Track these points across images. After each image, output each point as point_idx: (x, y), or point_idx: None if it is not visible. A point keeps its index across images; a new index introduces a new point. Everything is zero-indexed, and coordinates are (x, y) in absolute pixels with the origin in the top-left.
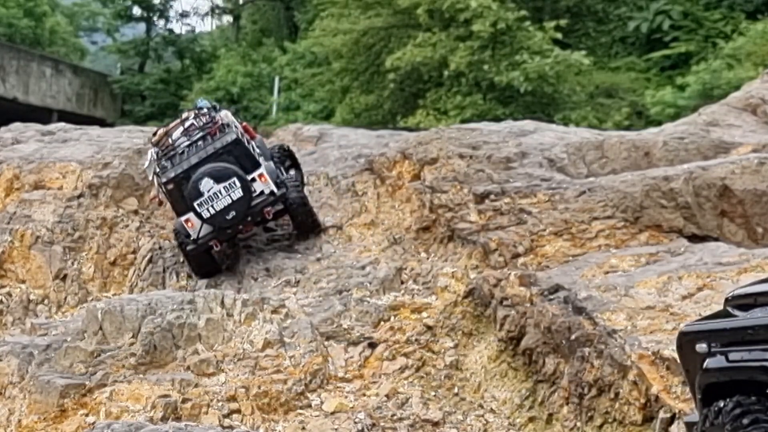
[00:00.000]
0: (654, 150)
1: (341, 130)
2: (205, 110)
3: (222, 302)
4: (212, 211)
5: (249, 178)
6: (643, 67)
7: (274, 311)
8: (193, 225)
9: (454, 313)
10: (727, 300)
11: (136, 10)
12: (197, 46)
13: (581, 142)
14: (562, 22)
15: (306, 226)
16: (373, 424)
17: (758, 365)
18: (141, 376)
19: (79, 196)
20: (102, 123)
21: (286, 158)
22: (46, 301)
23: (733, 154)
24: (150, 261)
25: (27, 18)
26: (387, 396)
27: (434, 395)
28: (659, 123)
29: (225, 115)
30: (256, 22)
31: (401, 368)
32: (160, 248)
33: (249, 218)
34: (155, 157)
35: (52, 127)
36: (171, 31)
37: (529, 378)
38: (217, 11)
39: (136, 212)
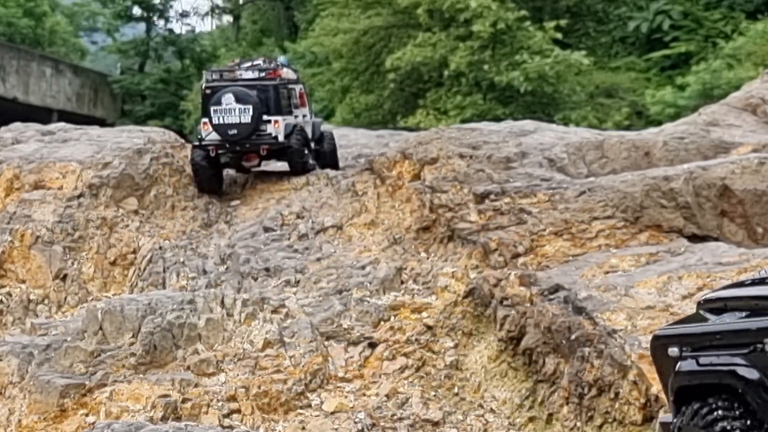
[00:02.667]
0: (654, 150)
1: (341, 130)
2: (278, 63)
3: (222, 302)
4: (220, 120)
5: (265, 117)
6: (643, 67)
7: (274, 311)
8: (207, 128)
9: (454, 313)
10: (699, 304)
11: (136, 10)
12: (197, 46)
13: (581, 142)
14: (562, 22)
15: (296, 167)
16: (373, 424)
17: (727, 369)
18: (141, 376)
19: (79, 196)
20: (102, 123)
21: (322, 139)
22: (46, 301)
23: (733, 154)
24: (150, 261)
25: (27, 18)
26: (387, 396)
27: (434, 395)
28: (659, 123)
29: (287, 72)
30: (256, 22)
31: (401, 368)
32: (160, 248)
33: (248, 145)
34: (203, 83)
35: (52, 127)
36: (171, 31)
37: (529, 378)
38: (217, 11)
39: (136, 212)
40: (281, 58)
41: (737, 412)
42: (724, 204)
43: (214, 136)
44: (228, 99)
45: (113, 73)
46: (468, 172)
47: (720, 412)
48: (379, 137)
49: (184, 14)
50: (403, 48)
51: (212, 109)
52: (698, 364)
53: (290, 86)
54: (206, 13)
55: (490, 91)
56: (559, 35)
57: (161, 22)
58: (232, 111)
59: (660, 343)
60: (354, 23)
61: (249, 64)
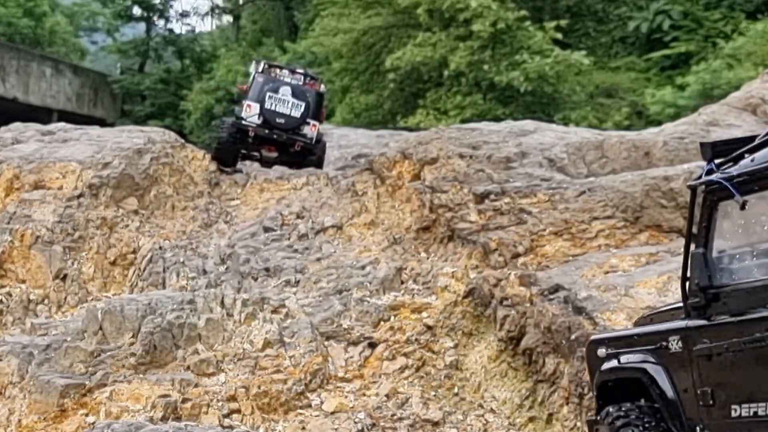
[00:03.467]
0: (654, 150)
1: (341, 130)
2: (315, 77)
3: (222, 302)
4: (273, 107)
5: (308, 120)
6: (643, 67)
7: (274, 311)
8: (251, 109)
9: (454, 313)
10: (636, 320)
11: (136, 10)
12: (197, 46)
13: (581, 142)
14: (562, 22)
15: (313, 165)
16: (373, 424)
17: (638, 366)
18: (141, 376)
19: (79, 196)
20: (102, 123)
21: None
22: (46, 301)
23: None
24: (150, 261)
25: (27, 18)
26: (387, 396)
27: (434, 395)
28: (659, 123)
29: (324, 87)
30: (256, 21)
31: (401, 368)
32: (160, 248)
33: (285, 137)
34: (260, 69)
35: (52, 127)
36: (171, 31)
37: (529, 378)
38: (217, 11)
39: (136, 212)
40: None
41: (646, 421)
42: None
43: (256, 120)
44: (285, 91)
45: (113, 73)
46: (468, 172)
47: (625, 413)
48: (379, 137)
49: (184, 14)
50: (403, 48)
51: (267, 95)
52: (618, 362)
53: (322, 98)
54: (206, 13)
55: (490, 91)
56: (559, 35)
57: (161, 22)
58: (286, 102)
59: (592, 347)
60: (354, 23)
61: (296, 69)
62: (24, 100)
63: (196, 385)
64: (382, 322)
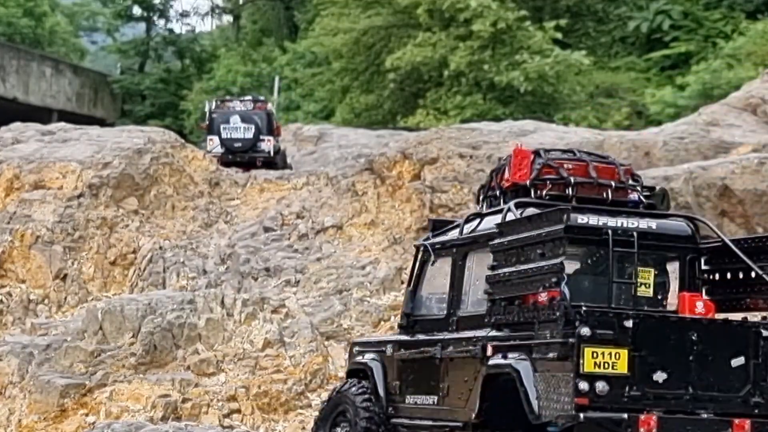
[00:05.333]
0: (654, 150)
1: (341, 130)
2: (261, 99)
3: (222, 302)
4: (228, 135)
5: (261, 137)
6: (643, 67)
7: (274, 311)
8: (213, 143)
9: None
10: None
11: (136, 10)
12: (197, 46)
13: (581, 142)
14: (562, 21)
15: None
16: None
17: (367, 361)
18: (141, 376)
19: (79, 196)
20: (102, 123)
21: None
22: (46, 301)
23: (733, 154)
24: (150, 261)
25: (27, 18)
26: None
27: None
28: (659, 123)
29: (270, 107)
30: (256, 21)
31: None
32: (160, 248)
33: (246, 157)
34: (212, 106)
35: (52, 127)
36: (171, 30)
37: None
38: (217, 11)
39: (136, 212)
40: (259, 96)
41: (366, 393)
42: (724, 204)
43: (219, 149)
44: (235, 120)
45: (113, 73)
46: (468, 172)
47: (357, 387)
48: (379, 137)
49: (184, 14)
50: (403, 48)
51: (222, 128)
52: (362, 357)
53: (273, 115)
54: (206, 13)
55: (490, 91)
56: (559, 35)
57: (161, 22)
58: (238, 129)
59: (352, 346)
60: (354, 23)
61: (243, 98)
62: (24, 100)
63: (196, 385)
64: (382, 322)
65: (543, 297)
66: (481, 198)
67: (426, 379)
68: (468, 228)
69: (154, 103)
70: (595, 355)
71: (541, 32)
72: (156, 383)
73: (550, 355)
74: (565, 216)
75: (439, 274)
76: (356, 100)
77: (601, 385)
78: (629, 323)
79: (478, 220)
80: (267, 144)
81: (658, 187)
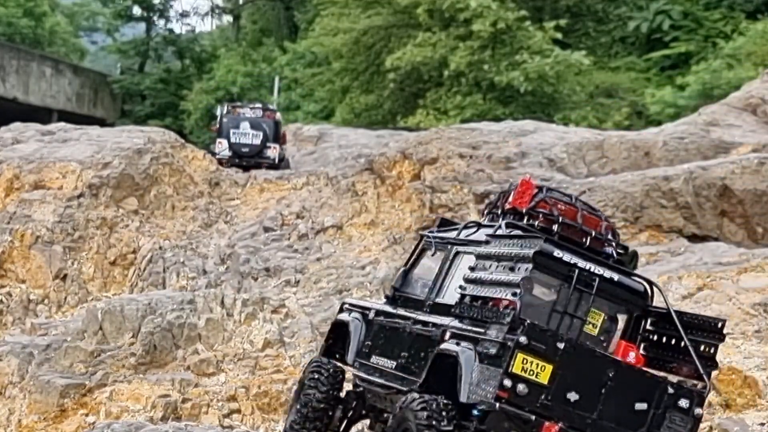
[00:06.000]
0: (654, 150)
1: (341, 130)
2: (271, 108)
3: (222, 302)
4: (237, 140)
5: (267, 144)
6: (643, 67)
7: (274, 311)
8: (222, 145)
9: None
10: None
11: (136, 10)
12: (197, 46)
13: (581, 142)
14: (562, 22)
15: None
16: None
17: (349, 319)
18: (141, 376)
19: (79, 196)
20: (102, 123)
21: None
22: (46, 301)
23: (733, 154)
24: (150, 261)
25: (27, 18)
26: None
27: None
28: (659, 123)
29: (279, 116)
30: (256, 22)
31: None
32: (160, 248)
33: (252, 162)
34: (223, 111)
35: (52, 127)
36: (171, 31)
37: None
38: (217, 11)
39: (136, 212)
40: (271, 105)
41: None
42: (724, 204)
43: (227, 152)
44: (245, 126)
45: (113, 73)
46: (468, 172)
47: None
48: (379, 137)
49: (184, 14)
50: (403, 48)
51: (231, 132)
52: (347, 315)
53: (280, 122)
54: (206, 13)
55: (490, 91)
56: (559, 35)
57: (161, 22)
58: (247, 134)
59: (343, 305)
60: (354, 23)
61: (254, 105)
62: (24, 100)
63: (196, 385)
64: None
65: (503, 303)
66: (485, 212)
67: (392, 347)
68: (465, 232)
69: (154, 103)
70: (524, 361)
71: (541, 32)
72: (156, 383)
73: (491, 351)
74: (538, 244)
75: (431, 263)
76: (356, 100)
77: (521, 387)
78: (561, 345)
79: (475, 228)
80: (272, 151)
81: (631, 249)
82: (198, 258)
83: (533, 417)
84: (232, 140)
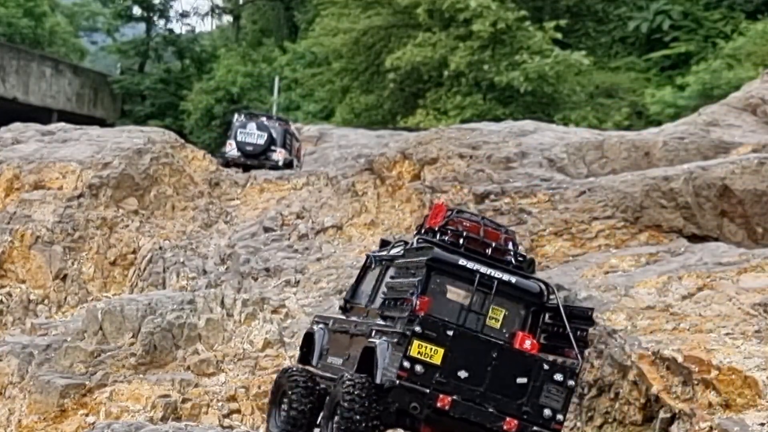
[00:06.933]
0: (654, 150)
1: (341, 130)
2: (284, 119)
3: (222, 302)
4: (242, 139)
5: (272, 147)
6: (643, 67)
7: (274, 311)
8: (231, 146)
9: None
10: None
11: (136, 10)
12: (197, 46)
13: (581, 142)
14: (562, 22)
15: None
16: None
17: (315, 330)
18: (141, 376)
19: (79, 196)
20: (102, 123)
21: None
22: (46, 301)
23: (733, 154)
24: (150, 261)
25: (27, 18)
26: None
27: None
28: (659, 123)
29: (292, 128)
30: (256, 22)
31: None
32: (160, 248)
33: (257, 162)
34: (241, 118)
35: (52, 127)
36: (171, 31)
37: None
38: (217, 11)
39: (136, 212)
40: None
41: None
42: (724, 204)
43: (235, 153)
44: (251, 127)
45: (113, 73)
46: (468, 172)
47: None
48: (379, 137)
49: (184, 14)
50: (403, 48)
51: (238, 132)
52: (316, 327)
53: (293, 132)
54: (206, 13)
55: (490, 91)
56: (559, 35)
57: (161, 22)
58: (253, 135)
59: (314, 318)
60: (354, 23)
61: (269, 115)
62: (24, 100)
63: (196, 385)
64: None
65: (412, 302)
66: (415, 231)
67: (341, 347)
68: (394, 250)
69: (154, 103)
70: (420, 346)
71: (541, 32)
72: (156, 383)
73: (395, 340)
74: (430, 253)
75: (372, 277)
76: (356, 101)
77: (419, 367)
78: (450, 332)
79: (402, 245)
80: (278, 155)
81: (528, 256)
82: (198, 258)
83: (427, 390)
84: (239, 139)
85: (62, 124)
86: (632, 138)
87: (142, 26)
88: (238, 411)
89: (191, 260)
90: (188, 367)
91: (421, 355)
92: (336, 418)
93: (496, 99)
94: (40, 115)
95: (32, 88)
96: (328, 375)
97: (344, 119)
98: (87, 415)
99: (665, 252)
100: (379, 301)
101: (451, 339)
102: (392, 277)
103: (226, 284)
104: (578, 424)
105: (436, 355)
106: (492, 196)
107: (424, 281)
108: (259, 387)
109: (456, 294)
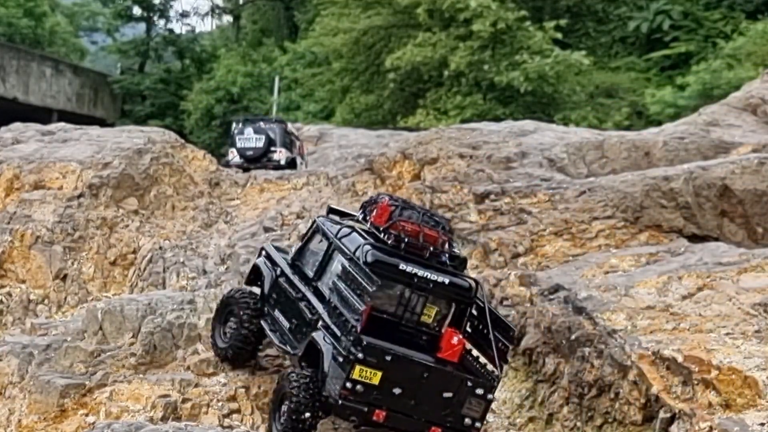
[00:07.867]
0: (654, 150)
1: (341, 130)
2: (281, 120)
3: None
4: (242, 145)
5: (272, 148)
6: (643, 67)
7: None
8: (232, 154)
9: None
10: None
11: (136, 10)
12: (197, 46)
13: (581, 142)
14: (562, 22)
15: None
16: None
17: (264, 270)
18: (141, 376)
19: (79, 196)
20: (102, 123)
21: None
22: (46, 301)
23: (733, 154)
24: (150, 261)
25: (27, 18)
26: None
27: None
28: (659, 123)
29: (290, 126)
30: (256, 22)
31: None
32: (160, 248)
33: (259, 163)
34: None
35: (52, 127)
36: (171, 31)
37: (529, 378)
38: (217, 11)
39: (136, 212)
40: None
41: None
42: (724, 204)
43: (237, 160)
44: (248, 132)
45: (113, 73)
46: (468, 172)
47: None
48: (379, 137)
49: (184, 14)
50: (403, 48)
51: (237, 139)
52: (263, 266)
53: (293, 132)
54: (206, 13)
55: (490, 91)
56: (559, 35)
57: (161, 22)
58: (251, 139)
59: (262, 250)
60: (354, 23)
61: (265, 118)
62: (24, 100)
63: (196, 385)
64: None
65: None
66: (360, 209)
67: (287, 307)
68: (342, 232)
69: (154, 103)
70: (362, 371)
71: (541, 32)
72: (156, 383)
73: (340, 358)
74: (372, 255)
75: (319, 248)
76: (356, 100)
77: (359, 387)
78: (388, 358)
79: (349, 231)
80: (279, 155)
81: (461, 255)
82: (198, 258)
83: (366, 408)
84: (239, 145)
85: (62, 124)
86: (632, 138)
87: (142, 26)
88: (238, 411)
89: (191, 260)
90: (188, 367)
91: (362, 377)
92: (283, 411)
93: (496, 99)
94: (40, 115)
95: (32, 88)
96: (273, 338)
97: (344, 119)
98: (87, 415)
99: (665, 252)
100: (326, 285)
101: (389, 363)
102: (339, 277)
103: (226, 284)
104: (578, 424)
105: (374, 377)
106: (492, 196)
107: (366, 281)
108: (259, 387)
109: (396, 293)
